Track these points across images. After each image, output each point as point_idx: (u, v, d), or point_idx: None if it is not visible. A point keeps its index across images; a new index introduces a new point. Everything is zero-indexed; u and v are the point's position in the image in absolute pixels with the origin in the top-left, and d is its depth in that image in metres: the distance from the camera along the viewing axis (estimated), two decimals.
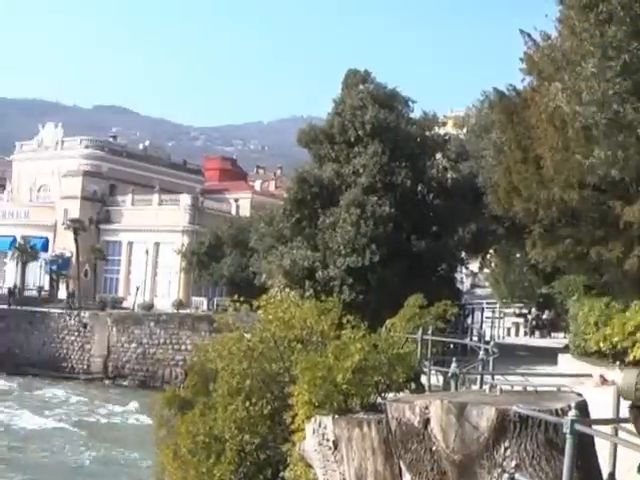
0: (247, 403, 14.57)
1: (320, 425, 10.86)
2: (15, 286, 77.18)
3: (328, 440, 10.65)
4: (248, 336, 15.66)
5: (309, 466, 11.78)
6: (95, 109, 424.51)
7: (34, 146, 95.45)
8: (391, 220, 39.21)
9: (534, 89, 23.42)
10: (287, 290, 18.12)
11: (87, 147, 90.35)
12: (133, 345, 64.19)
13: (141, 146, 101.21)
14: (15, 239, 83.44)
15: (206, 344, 18.30)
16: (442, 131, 47.46)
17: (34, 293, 77.42)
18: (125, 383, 62.67)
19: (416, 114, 45.48)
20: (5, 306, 70.72)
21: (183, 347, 60.82)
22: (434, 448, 7.60)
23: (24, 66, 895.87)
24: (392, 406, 8.20)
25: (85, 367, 65.86)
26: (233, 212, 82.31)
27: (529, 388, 8.71)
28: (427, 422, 7.59)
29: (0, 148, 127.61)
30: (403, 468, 8.18)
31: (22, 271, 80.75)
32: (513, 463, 6.99)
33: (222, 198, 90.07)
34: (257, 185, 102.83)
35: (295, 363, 14.07)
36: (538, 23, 21.84)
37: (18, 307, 70.55)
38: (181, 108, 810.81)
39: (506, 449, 7.05)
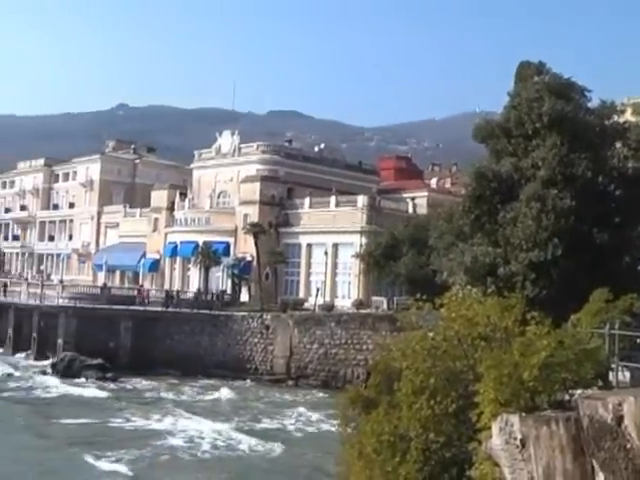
0: (432, 401, 14.47)
1: (507, 423, 10.71)
2: (171, 291, 79.05)
3: (515, 438, 10.49)
4: (431, 334, 15.56)
5: (496, 465, 11.61)
6: (269, 115, 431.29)
7: (212, 154, 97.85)
8: (572, 213, 38.33)
9: None
10: (469, 287, 17.92)
11: (264, 152, 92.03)
12: (315, 346, 64.76)
13: (316, 149, 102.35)
14: (198, 245, 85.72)
15: (389, 343, 18.23)
16: (621, 119, 46.00)
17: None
18: (308, 383, 63.40)
19: (593, 103, 44.29)
20: (188, 310, 73.01)
21: (364, 347, 61.00)
22: (628, 446, 7.37)
23: (201, 78, 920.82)
24: (584, 403, 8.01)
25: (268, 368, 66.93)
26: (410, 211, 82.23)
27: None
28: (621, 419, 7.36)
29: (180, 157, 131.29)
30: (596, 467, 7.96)
31: (205, 276, 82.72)
32: None
33: (398, 197, 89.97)
34: (433, 183, 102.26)
35: (479, 361, 13.90)
36: None
37: (200, 311, 72.77)
38: (354, 109, 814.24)
39: None
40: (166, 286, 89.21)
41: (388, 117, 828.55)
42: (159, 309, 73.26)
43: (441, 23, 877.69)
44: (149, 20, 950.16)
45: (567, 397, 11.50)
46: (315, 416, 48.70)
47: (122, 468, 34.74)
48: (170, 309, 73.42)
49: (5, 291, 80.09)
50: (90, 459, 36.12)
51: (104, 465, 35.14)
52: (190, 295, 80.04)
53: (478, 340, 14.89)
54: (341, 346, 63.33)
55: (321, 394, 57.07)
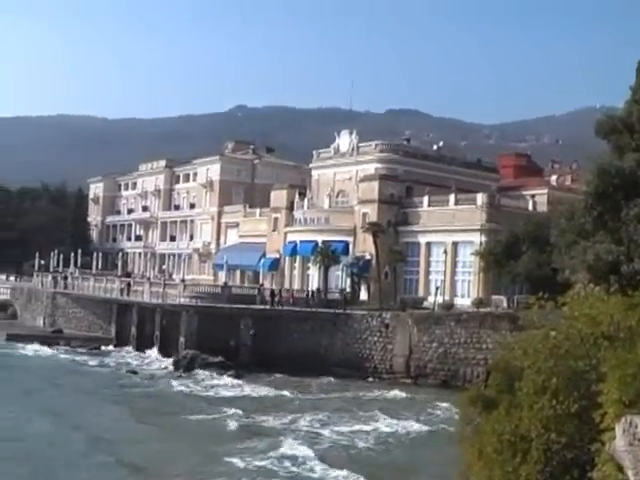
0: (553, 401, 14.30)
1: (631, 424, 10.54)
2: (273, 291, 79.12)
3: (639, 440, 10.31)
4: (553, 333, 15.37)
5: (619, 467, 11.43)
6: (387, 114, 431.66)
7: (331, 153, 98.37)
8: None
9: None
10: (591, 286, 17.63)
11: (382, 151, 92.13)
12: (434, 344, 64.45)
13: (435, 147, 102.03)
14: (317, 244, 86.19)
15: (510, 342, 18.11)
16: None
17: (336, 296, 79.44)
18: (427, 383, 63.17)
19: None
20: (308, 309, 73.63)
21: (484, 346, 60.53)
22: None
23: (318, 77, 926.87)
24: None
25: (387, 367, 66.89)
26: (530, 208, 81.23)
27: None
28: None
29: (298, 157, 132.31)
30: None
31: (324, 275, 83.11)
32: None
33: (518, 195, 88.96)
34: (553, 180, 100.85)
35: (602, 360, 13.70)
36: None
37: (319, 310, 73.24)
38: (472, 107, 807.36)
39: None
40: (286, 285, 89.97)
41: (507, 114, 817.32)
42: (279, 308, 73.84)
43: (560, 19, 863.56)
44: (265, 22, 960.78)
45: None
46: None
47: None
48: (284, 307, 74.02)
49: (129, 290, 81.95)
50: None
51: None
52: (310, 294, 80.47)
53: (601, 339, 14.66)
54: (461, 345, 62.95)
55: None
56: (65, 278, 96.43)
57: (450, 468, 21.73)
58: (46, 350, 76.28)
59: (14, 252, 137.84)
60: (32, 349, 76.27)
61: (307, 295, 78.56)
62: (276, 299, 75.21)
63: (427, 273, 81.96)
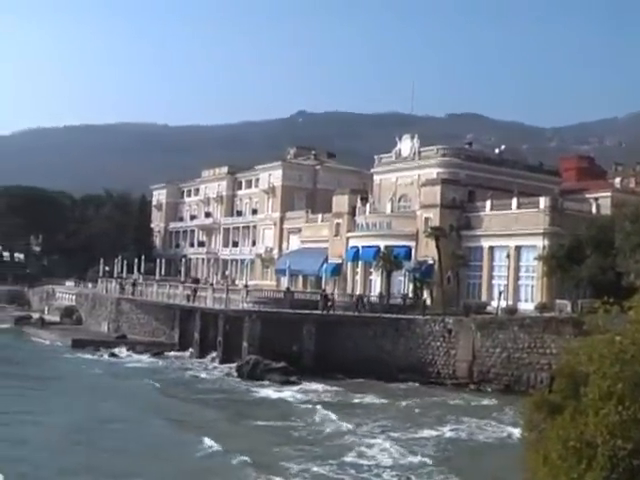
0: (619, 407, 14.19)
1: None
2: (327, 296, 78.36)
3: None
4: (619, 338, 15.24)
5: None
6: (448, 118, 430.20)
7: (392, 158, 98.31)
8: None
9: None
10: None
11: (444, 155, 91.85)
12: (497, 350, 63.95)
13: (497, 151, 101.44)
14: (379, 249, 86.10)
15: (575, 347, 17.99)
16: None
17: (399, 301, 79.24)
18: (490, 388, 62.76)
19: None
20: (373, 314, 73.52)
21: (547, 351, 59.98)
22: None
23: (378, 82, 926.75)
24: None
25: (451, 372, 66.51)
26: (593, 212, 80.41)
27: None
28: None
29: (359, 162, 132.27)
30: None
31: (387, 280, 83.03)
32: None
33: (581, 198, 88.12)
34: (617, 182, 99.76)
35: None
36: None
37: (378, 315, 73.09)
38: (533, 110, 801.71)
39: None
40: (348, 290, 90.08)
41: (568, 117, 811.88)
42: (341, 313, 73.90)
43: (620, 19, 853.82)
44: (326, 27, 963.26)
45: None
46: None
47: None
48: (336, 313, 74.00)
49: (195, 297, 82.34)
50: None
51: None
52: (374, 299, 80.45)
53: None
54: (524, 350, 62.39)
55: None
56: (134, 284, 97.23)
57: (514, 474, 21.65)
58: (120, 355, 78.89)
59: (79, 258, 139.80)
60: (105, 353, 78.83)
61: (357, 300, 78.04)
62: (329, 304, 75.00)
63: (490, 277, 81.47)
